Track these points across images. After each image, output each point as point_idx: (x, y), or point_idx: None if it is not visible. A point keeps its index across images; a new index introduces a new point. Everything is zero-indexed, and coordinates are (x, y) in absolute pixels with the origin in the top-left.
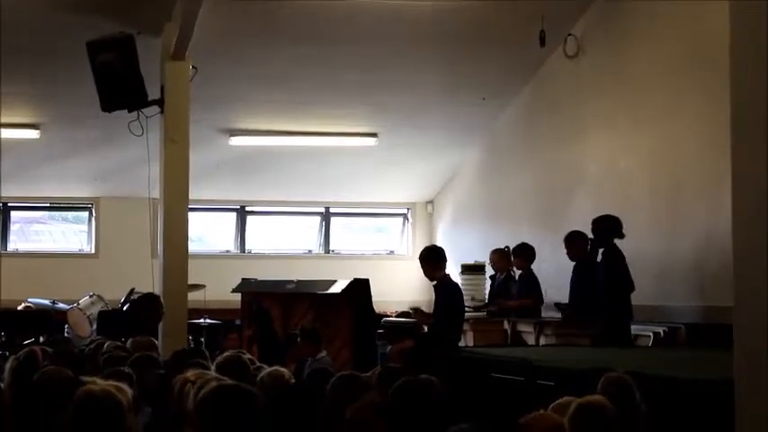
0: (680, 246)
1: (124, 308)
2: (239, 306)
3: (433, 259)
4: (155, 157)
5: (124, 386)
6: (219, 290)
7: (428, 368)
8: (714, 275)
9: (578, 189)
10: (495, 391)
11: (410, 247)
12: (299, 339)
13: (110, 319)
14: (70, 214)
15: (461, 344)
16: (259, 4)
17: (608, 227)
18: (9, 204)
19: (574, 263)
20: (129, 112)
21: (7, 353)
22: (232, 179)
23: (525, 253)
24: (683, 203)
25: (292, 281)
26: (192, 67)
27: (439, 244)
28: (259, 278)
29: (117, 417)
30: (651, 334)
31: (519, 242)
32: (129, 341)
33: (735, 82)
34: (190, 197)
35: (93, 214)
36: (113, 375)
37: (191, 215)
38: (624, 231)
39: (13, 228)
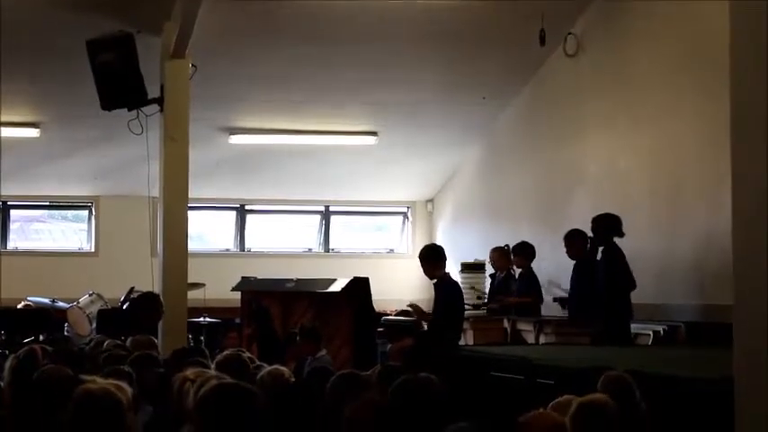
0: (680, 244)
1: (124, 306)
2: (239, 305)
3: (432, 258)
4: (154, 156)
5: (124, 385)
6: (219, 288)
7: (428, 367)
8: (714, 274)
9: (578, 188)
10: (495, 390)
11: (410, 245)
12: (298, 338)
13: (109, 318)
14: (70, 213)
15: (461, 342)
16: (259, 4)
17: (608, 225)
18: (9, 203)
19: (574, 262)
20: (129, 110)
21: (7, 351)
22: (232, 178)
23: (525, 252)
24: (683, 202)
25: (292, 279)
26: (192, 65)
27: (439, 242)
28: (259, 277)
29: (116, 415)
30: (651, 332)
31: (519, 241)
32: (129, 340)
33: (735, 82)
34: (189, 196)
35: (93, 213)
36: (113, 374)
37: (190, 214)
38: (624, 230)
39: (13, 226)
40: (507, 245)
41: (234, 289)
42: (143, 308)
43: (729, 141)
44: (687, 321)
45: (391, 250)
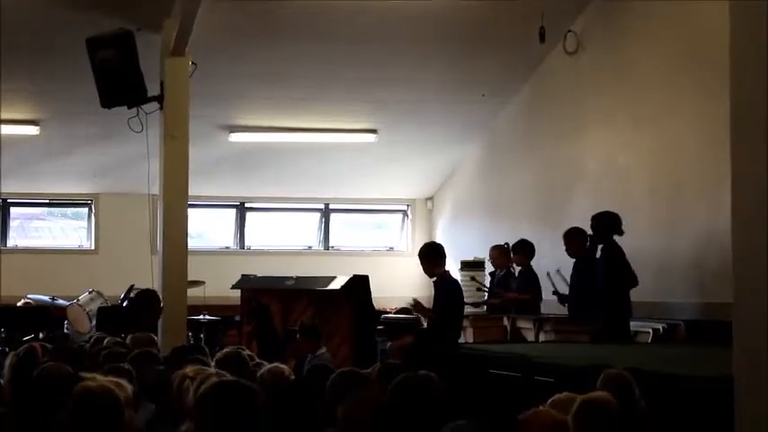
0: (679, 242)
1: (124, 304)
2: (239, 302)
3: (432, 256)
4: (154, 154)
5: (124, 382)
6: (219, 286)
7: (427, 364)
8: (713, 272)
9: (578, 186)
10: (495, 388)
11: (410, 243)
12: (298, 336)
13: (109, 316)
14: (70, 210)
15: (461, 340)
16: (259, 2)
17: (607, 223)
18: (9, 200)
19: (573, 260)
20: (129, 108)
21: (7, 349)
22: (232, 175)
23: (525, 249)
24: (683, 200)
25: (292, 277)
26: (192, 63)
27: (438, 240)
28: (259, 274)
29: (115, 413)
30: (650, 330)
31: (518, 239)
32: (129, 337)
33: (735, 82)
34: (189, 193)
35: (93, 210)
36: (113, 371)
37: (190, 211)
38: (624, 228)
39: (13, 224)
40: (507, 243)
41: (234, 287)
42: (142, 305)
43: (729, 140)
44: (687, 319)
45: (391, 248)
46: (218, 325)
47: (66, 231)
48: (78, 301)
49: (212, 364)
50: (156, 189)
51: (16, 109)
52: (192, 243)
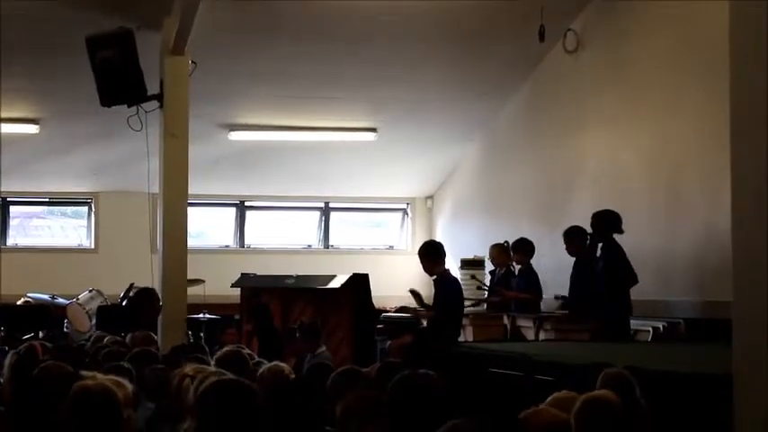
0: (679, 241)
1: (123, 303)
2: (239, 301)
3: (432, 255)
4: (154, 152)
5: (124, 381)
6: (219, 285)
7: (427, 363)
8: (714, 270)
9: (578, 185)
10: (495, 387)
11: (409, 242)
12: (298, 334)
13: (109, 314)
14: (69, 209)
15: (461, 339)
16: (259, 0)
17: (607, 221)
18: (8, 199)
19: (574, 258)
20: (129, 106)
21: (7, 348)
22: (231, 174)
23: (525, 248)
24: (683, 199)
25: (292, 276)
26: (192, 62)
27: (438, 239)
28: (258, 273)
29: (112, 411)
30: (650, 329)
31: (518, 237)
32: (128, 336)
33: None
34: (189, 192)
35: (93, 209)
36: (113, 370)
37: (190, 210)
38: (624, 227)
39: (13, 222)
40: (507, 241)
41: (233, 285)
42: (140, 304)
43: (729, 138)
44: (687, 318)
45: (391, 247)
46: (218, 324)
47: (65, 230)
48: (78, 299)
49: (212, 362)
50: (155, 188)
51: (16, 107)
52: (192, 242)
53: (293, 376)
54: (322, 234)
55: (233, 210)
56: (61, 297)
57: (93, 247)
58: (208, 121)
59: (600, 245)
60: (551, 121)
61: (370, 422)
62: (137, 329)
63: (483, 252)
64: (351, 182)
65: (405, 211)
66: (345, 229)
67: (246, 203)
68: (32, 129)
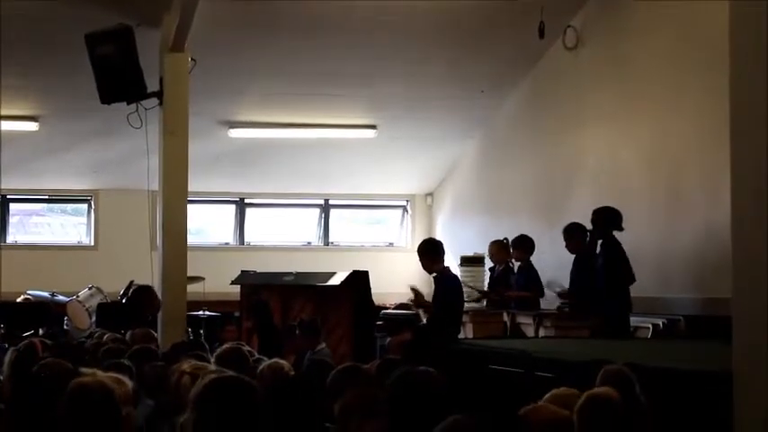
0: (679, 238)
1: (123, 300)
2: (238, 298)
3: (431, 252)
4: (154, 150)
5: (125, 379)
6: (219, 282)
7: (427, 360)
8: (713, 267)
9: (578, 181)
10: (494, 383)
11: (409, 239)
12: (297, 331)
13: (109, 312)
14: (69, 206)
15: (461, 336)
16: None
17: (607, 218)
18: (8, 197)
19: (574, 255)
20: (128, 104)
21: (6, 345)
22: (231, 171)
23: (524, 245)
24: (683, 195)
25: (291, 273)
26: (191, 59)
27: (438, 236)
28: (258, 270)
29: (110, 408)
30: (650, 326)
31: (518, 234)
32: (128, 333)
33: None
34: (189, 189)
35: (93, 206)
36: (113, 368)
37: (190, 207)
38: (624, 224)
39: (12, 220)
40: (506, 238)
41: (233, 282)
42: (138, 302)
43: (729, 136)
44: (686, 314)
45: (390, 244)
46: (218, 321)
47: (65, 227)
48: (78, 297)
49: (212, 359)
50: (155, 185)
51: (15, 105)
52: (192, 239)
53: (293, 373)
54: (322, 231)
55: (233, 207)
56: (61, 294)
57: (92, 244)
58: (207, 119)
59: (599, 242)
60: (551, 119)
61: (369, 419)
62: (136, 327)
63: (483, 249)
64: (351, 179)
65: (405, 209)
66: (345, 226)
67: (246, 201)
68: (32, 126)
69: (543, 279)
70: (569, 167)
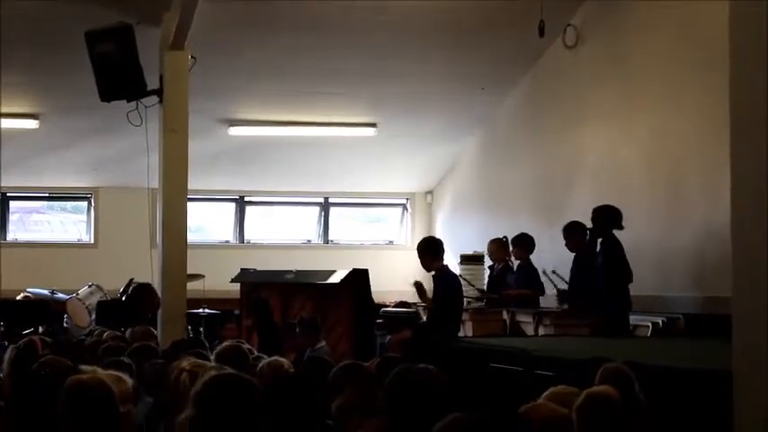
0: (679, 236)
1: (123, 298)
2: (238, 296)
3: (430, 251)
4: (154, 148)
5: (125, 376)
6: (218, 280)
7: (427, 358)
8: (713, 266)
9: (578, 179)
10: (494, 382)
11: (409, 237)
12: (297, 329)
13: (109, 310)
14: (69, 204)
15: (460, 334)
16: None
17: (607, 217)
18: (8, 194)
19: (574, 254)
20: (128, 102)
21: (6, 343)
22: (231, 169)
23: (524, 243)
24: (683, 193)
25: (291, 271)
26: (191, 57)
27: (438, 234)
28: (258, 268)
29: (107, 405)
30: (650, 324)
31: (518, 232)
32: (128, 331)
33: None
34: (189, 187)
35: (92, 204)
36: (113, 365)
37: (190, 205)
38: (624, 222)
39: (12, 217)
40: (505, 236)
41: (233, 280)
42: (138, 299)
43: (729, 134)
44: (686, 313)
45: (390, 242)
46: (218, 319)
47: (65, 225)
48: (78, 294)
49: (212, 357)
50: (155, 183)
51: (15, 103)
52: (192, 237)
53: (293, 371)
54: (322, 229)
55: (233, 205)
56: (61, 292)
57: (92, 242)
58: (207, 117)
59: (599, 240)
60: (551, 117)
61: (369, 417)
62: (136, 324)
63: (482, 247)
64: (350, 177)
65: (404, 207)
66: (345, 224)
67: (246, 199)
68: (32, 124)
69: (544, 278)
70: (569, 166)
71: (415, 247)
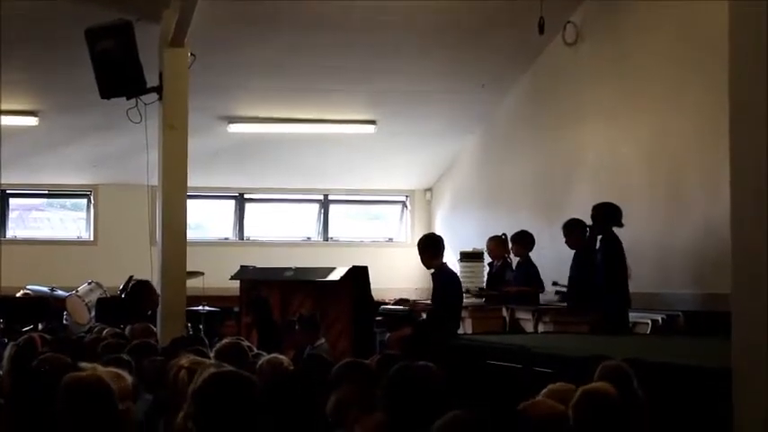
0: (679, 233)
1: (123, 295)
2: (238, 293)
3: (430, 248)
4: (153, 145)
5: (124, 374)
6: (218, 277)
7: (426, 355)
8: (713, 263)
9: (577, 177)
10: (494, 379)
11: (409, 234)
12: (297, 327)
13: (108, 307)
14: (69, 201)
15: (460, 331)
16: None
17: (607, 214)
18: (8, 191)
19: (573, 251)
20: (128, 99)
21: (6, 340)
22: (231, 166)
23: (524, 240)
24: (683, 191)
25: (291, 268)
26: (191, 54)
27: (437, 231)
28: (258, 265)
29: (106, 402)
30: (649, 321)
31: (518, 230)
32: (128, 328)
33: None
34: (188, 184)
35: (92, 201)
36: (112, 362)
37: (189, 202)
38: (624, 220)
39: (12, 215)
40: (504, 234)
41: (233, 278)
42: (137, 296)
43: (729, 132)
44: (686, 310)
45: (390, 239)
46: (217, 316)
47: (65, 222)
48: (77, 292)
49: (212, 354)
50: (155, 180)
51: (15, 100)
52: (191, 234)
53: (292, 368)
54: (321, 226)
55: (232, 202)
56: (60, 289)
57: (92, 239)
58: (207, 114)
59: (599, 237)
60: (551, 114)
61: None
62: (136, 322)
63: (482, 245)
64: (350, 174)
65: (404, 204)
66: (344, 221)
67: (246, 196)
68: (32, 121)
69: (544, 275)
70: (569, 163)
71: (415, 244)
